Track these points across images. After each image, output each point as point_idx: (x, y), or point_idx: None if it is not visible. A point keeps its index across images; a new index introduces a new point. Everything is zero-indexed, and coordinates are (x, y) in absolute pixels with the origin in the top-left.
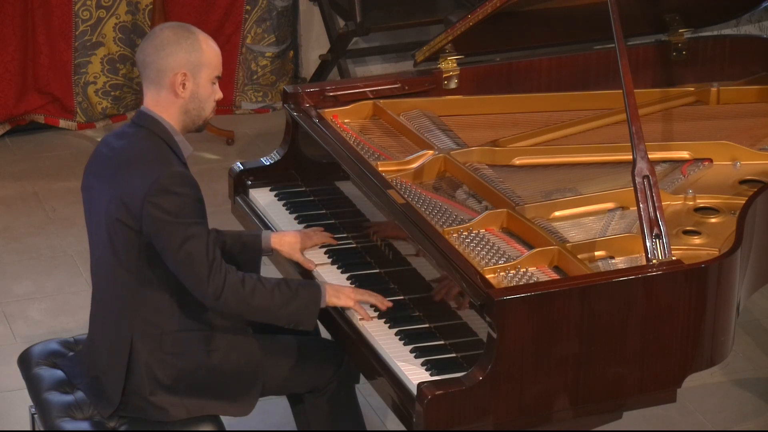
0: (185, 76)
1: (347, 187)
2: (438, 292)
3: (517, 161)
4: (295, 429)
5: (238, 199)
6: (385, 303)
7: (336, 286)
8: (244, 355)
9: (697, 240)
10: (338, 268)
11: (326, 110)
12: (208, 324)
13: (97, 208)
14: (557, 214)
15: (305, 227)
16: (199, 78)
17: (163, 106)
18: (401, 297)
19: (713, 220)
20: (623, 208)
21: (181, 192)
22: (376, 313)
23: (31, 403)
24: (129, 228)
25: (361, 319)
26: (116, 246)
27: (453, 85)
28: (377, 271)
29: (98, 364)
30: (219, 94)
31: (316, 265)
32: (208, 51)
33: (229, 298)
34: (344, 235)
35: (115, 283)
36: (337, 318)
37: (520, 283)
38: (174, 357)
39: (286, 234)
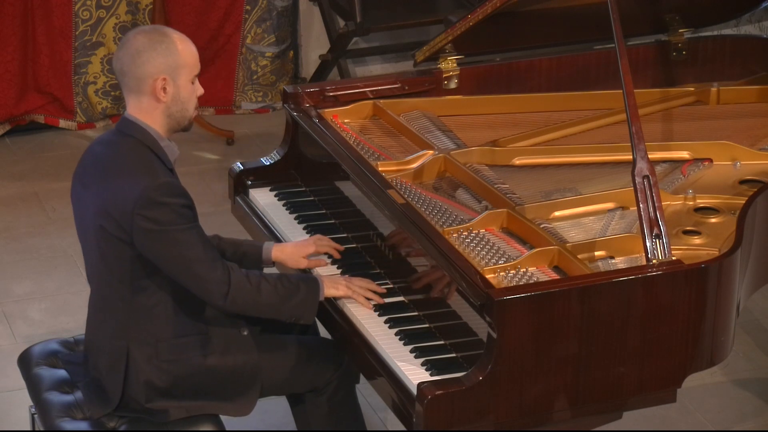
0: (165, 80)
1: (347, 187)
2: (433, 284)
3: (517, 161)
4: (295, 429)
5: (238, 199)
6: (378, 291)
7: (331, 276)
8: (241, 356)
9: (697, 240)
10: (338, 268)
11: (326, 110)
12: (205, 328)
13: (86, 218)
14: (557, 214)
15: (305, 227)
16: (179, 80)
17: (147, 111)
18: (401, 297)
19: (713, 220)
20: (623, 208)
21: (168, 202)
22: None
23: (31, 403)
24: (118, 239)
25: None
26: (107, 257)
27: (453, 85)
28: (377, 271)
29: (97, 367)
30: (200, 90)
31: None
32: (184, 52)
33: (236, 296)
34: (344, 235)
35: (109, 293)
36: (336, 317)
37: (520, 283)
38: (170, 363)
39: (286, 245)
